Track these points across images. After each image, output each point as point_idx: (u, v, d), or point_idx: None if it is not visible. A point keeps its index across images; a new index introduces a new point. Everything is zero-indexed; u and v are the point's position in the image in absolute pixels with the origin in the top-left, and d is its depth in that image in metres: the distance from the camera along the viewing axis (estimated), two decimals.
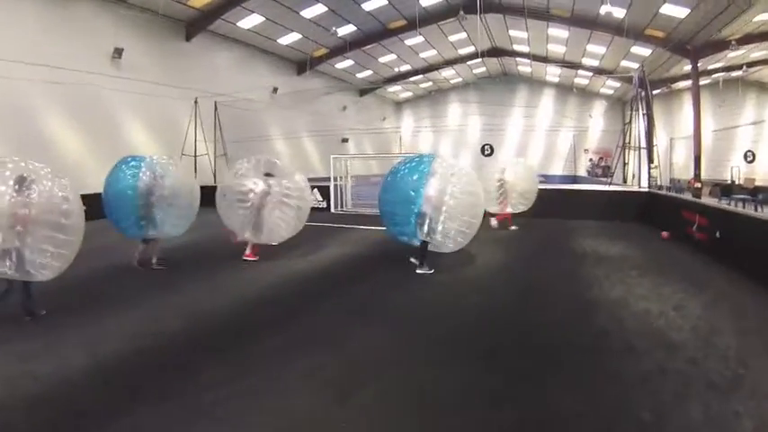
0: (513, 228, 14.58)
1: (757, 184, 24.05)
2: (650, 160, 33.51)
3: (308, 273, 9.28)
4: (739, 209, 14.34)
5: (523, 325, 6.24)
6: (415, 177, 9.07)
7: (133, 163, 9.36)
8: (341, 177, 20.39)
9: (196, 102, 23.15)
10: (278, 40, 27.65)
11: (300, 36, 27.30)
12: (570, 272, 9.24)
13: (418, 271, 9.01)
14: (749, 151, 33.45)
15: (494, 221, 14.57)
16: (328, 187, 20.10)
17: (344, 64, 33.37)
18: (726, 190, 22.78)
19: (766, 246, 8.16)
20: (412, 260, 9.32)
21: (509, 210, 14.77)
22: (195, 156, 23.12)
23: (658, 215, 15.14)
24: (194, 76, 23.68)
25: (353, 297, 7.63)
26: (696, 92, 24.34)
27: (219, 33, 25.32)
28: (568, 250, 11.49)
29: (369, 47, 30.19)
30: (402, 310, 6.92)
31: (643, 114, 34.26)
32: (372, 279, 8.80)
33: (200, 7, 22.23)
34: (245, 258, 10.02)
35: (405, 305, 7.19)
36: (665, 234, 13.29)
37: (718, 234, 10.17)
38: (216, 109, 24.38)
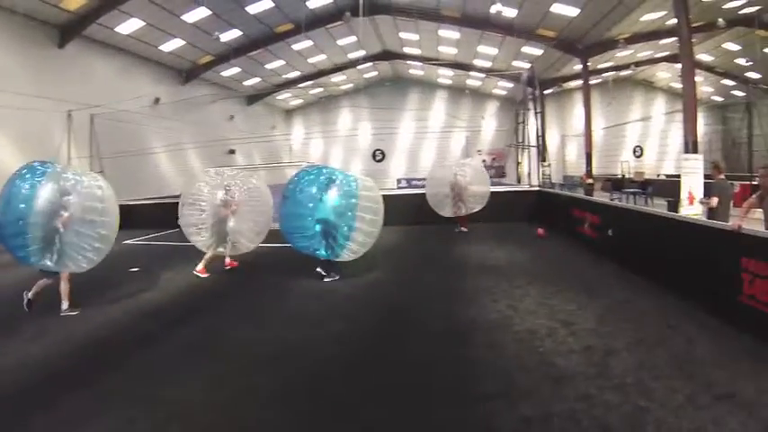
0: (463, 230, 14.61)
1: (646, 177, 24.75)
2: (542, 158, 35.39)
3: (161, 303, 8.04)
4: (630, 205, 14.25)
5: (381, 364, 5.20)
6: (314, 190, 8.89)
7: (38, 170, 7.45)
8: None
9: (69, 115, 21.16)
10: (160, 47, 25.65)
11: (184, 42, 25.57)
12: (450, 286, 8.29)
13: (326, 279, 8.89)
14: (638, 146, 35.83)
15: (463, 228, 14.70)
16: None
17: (231, 71, 31.58)
18: (617, 184, 23.77)
19: (655, 240, 7.91)
20: (318, 270, 9.03)
21: (463, 212, 14.74)
22: None
23: (548, 214, 15.02)
24: (69, 87, 21.44)
25: (197, 330, 6.53)
26: (586, 90, 25.20)
27: (97, 40, 22.91)
28: (452, 259, 10.64)
29: (256, 53, 28.64)
30: (244, 346, 5.89)
31: (535, 113, 36.20)
32: (225, 307, 7.72)
33: (75, 10, 19.94)
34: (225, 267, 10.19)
35: (249, 340, 6.11)
36: (540, 231, 13.20)
37: (610, 232, 9.82)
38: (92, 122, 22.35)
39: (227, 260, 10.27)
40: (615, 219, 9.92)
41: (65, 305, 7.30)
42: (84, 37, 22.28)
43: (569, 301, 6.95)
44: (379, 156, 42.09)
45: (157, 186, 21.14)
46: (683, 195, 14.35)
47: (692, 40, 14.99)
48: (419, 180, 30.77)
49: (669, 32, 22.43)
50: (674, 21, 15.59)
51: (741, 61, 28.44)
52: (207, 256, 9.78)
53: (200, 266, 9.67)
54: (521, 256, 10.51)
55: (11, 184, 7.26)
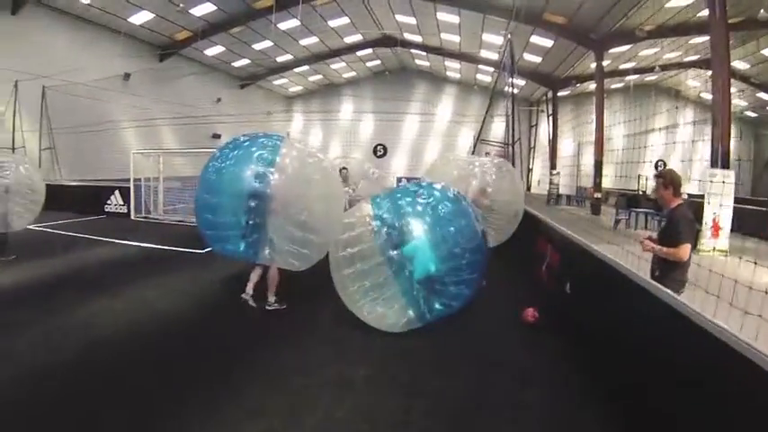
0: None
1: None
2: (552, 166, 32.44)
3: None
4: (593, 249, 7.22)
5: None
6: (255, 157, 6.01)
7: None
8: (153, 178, 16.79)
9: (16, 85, 19.48)
10: (130, 20, 23.47)
11: (153, 15, 23.29)
12: None
13: (268, 308, 6.58)
14: (660, 160, 32.56)
15: None
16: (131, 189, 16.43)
17: (215, 50, 29.17)
18: (631, 201, 20.81)
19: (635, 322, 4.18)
20: (244, 296, 6.66)
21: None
22: (13, 148, 19.50)
23: (519, 244, 8.72)
24: (22, 57, 19.77)
25: None
26: (600, 87, 21.87)
27: (56, 8, 21.09)
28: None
29: (236, 30, 26.40)
30: None
31: (547, 116, 32.95)
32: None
33: None
34: None
35: None
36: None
37: (568, 288, 5.95)
38: (43, 95, 20.54)
39: None
40: (579, 263, 5.89)
41: None
42: (43, 5, 20.57)
43: None
44: (380, 151, 39.24)
45: (121, 166, 18.99)
46: (706, 222, 11.36)
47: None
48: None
49: (700, 28, 18.99)
50: (705, 12, 12.75)
51: None
52: None
53: None
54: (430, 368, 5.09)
55: None
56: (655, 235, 5.07)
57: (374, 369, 4.86)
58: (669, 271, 4.65)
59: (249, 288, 6.64)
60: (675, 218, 4.72)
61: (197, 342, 5.53)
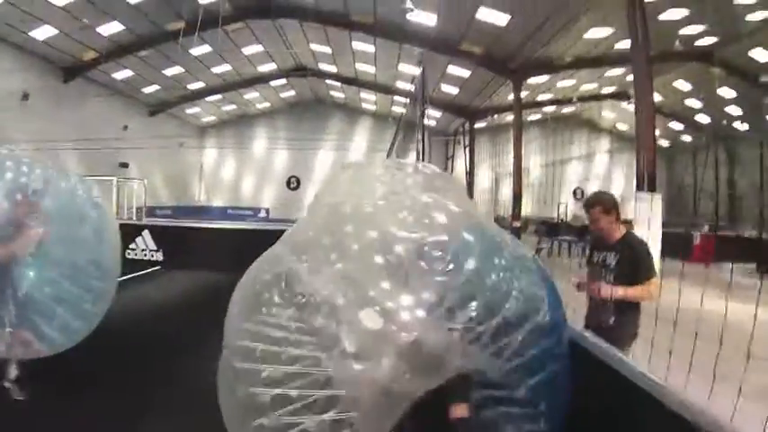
0: None
1: (586, 222, 21.79)
2: (470, 196, 33.42)
3: None
4: None
5: None
6: None
7: None
8: None
9: None
10: (31, 34, 22.53)
11: (57, 31, 22.28)
12: None
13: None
14: (578, 188, 33.94)
15: None
16: None
17: (123, 74, 28.01)
18: (552, 229, 20.99)
19: None
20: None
21: None
22: None
23: None
24: None
25: None
26: (518, 116, 22.41)
27: None
28: None
29: (146, 53, 25.89)
30: None
31: (464, 147, 33.96)
32: None
33: None
34: None
35: None
36: None
37: None
38: None
39: None
40: None
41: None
42: None
43: None
44: (293, 183, 39.38)
45: None
46: None
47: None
48: None
49: (618, 60, 20.27)
50: (622, 45, 13.48)
51: (691, 102, 26.59)
52: None
53: None
54: None
55: None
56: (578, 277, 4.28)
57: None
58: (631, 316, 3.90)
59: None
60: (636, 250, 3.93)
61: None
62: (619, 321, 3.79)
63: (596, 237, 4.29)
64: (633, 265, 3.86)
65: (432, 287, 2.39)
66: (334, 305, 2.39)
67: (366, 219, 2.73)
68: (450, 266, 2.43)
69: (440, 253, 2.46)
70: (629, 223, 3.98)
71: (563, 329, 2.83)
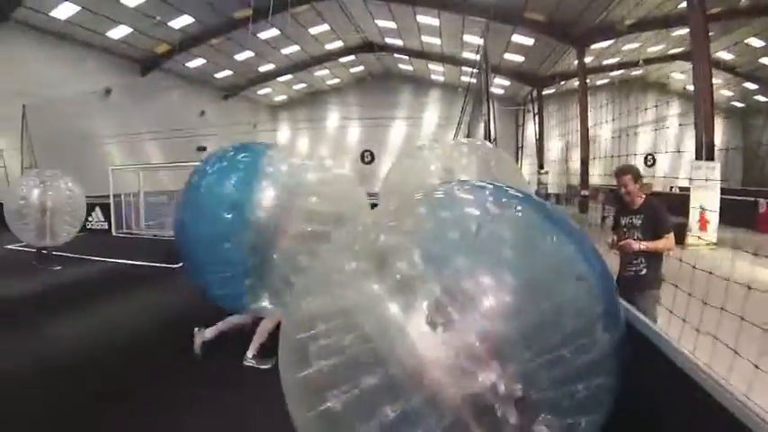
0: None
1: (655, 189, 20.30)
2: (540, 165, 32.48)
3: None
4: None
5: None
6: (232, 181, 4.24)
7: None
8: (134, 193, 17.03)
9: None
10: (107, 34, 23.42)
11: (131, 30, 23.14)
12: None
13: (246, 363, 4.85)
14: (650, 155, 32.60)
15: None
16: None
17: (196, 63, 28.98)
18: (619, 198, 20.66)
19: None
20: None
21: None
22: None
23: None
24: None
25: None
26: (583, 84, 21.81)
27: (31, 25, 20.77)
28: None
29: (216, 41, 26.46)
30: None
31: (533, 115, 32.92)
32: None
33: None
34: None
35: None
36: None
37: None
38: (24, 114, 20.39)
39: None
40: None
41: None
42: (17, 22, 20.21)
43: None
44: (368, 157, 39.21)
45: (105, 182, 18.52)
46: (693, 217, 10.78)
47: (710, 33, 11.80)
48: None
49: (681, 20, 19.10)
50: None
51: (766, 60, 24.56)
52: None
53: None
54: None
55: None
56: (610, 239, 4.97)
57: None
58: (657, 266, 4.76)
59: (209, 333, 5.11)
60: (656, 209, 4.79)
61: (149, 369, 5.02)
62: (650, 270, 4.68)
63: (621, 205, 5.12)
64: (655, 223, 4.71)
65: None
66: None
67: None
68: None
69: None
70: (647, 185, 4.85)
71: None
